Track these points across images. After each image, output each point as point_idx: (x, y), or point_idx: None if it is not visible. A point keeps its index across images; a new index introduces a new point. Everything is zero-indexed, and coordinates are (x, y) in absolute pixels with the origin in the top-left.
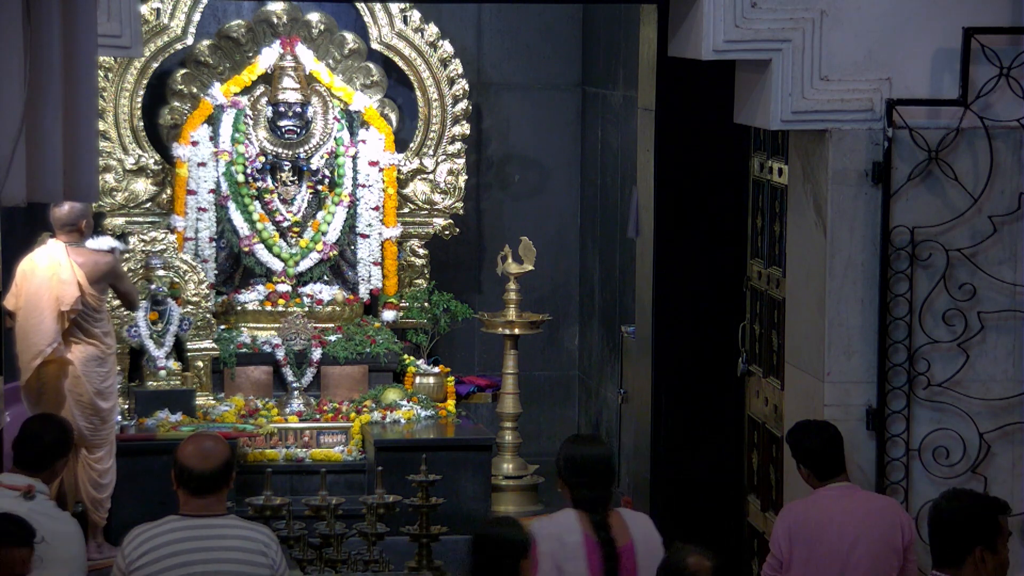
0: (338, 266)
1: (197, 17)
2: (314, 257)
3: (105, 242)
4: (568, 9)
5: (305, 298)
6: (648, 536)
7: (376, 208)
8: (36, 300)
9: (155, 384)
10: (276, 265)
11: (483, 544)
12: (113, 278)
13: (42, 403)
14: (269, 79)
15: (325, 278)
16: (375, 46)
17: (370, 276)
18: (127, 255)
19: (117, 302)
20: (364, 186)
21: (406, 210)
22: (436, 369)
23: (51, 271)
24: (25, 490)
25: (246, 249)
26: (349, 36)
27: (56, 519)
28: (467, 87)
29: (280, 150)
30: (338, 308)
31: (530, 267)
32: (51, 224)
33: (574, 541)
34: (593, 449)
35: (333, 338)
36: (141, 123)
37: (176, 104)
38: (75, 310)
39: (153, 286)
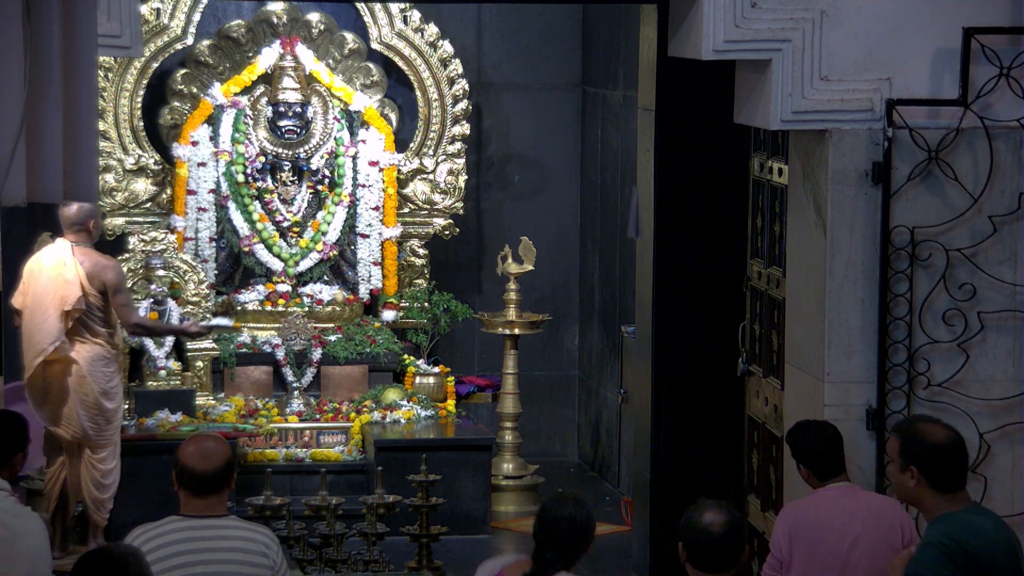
0: (338, 266)
1: (197, 17)
2: (314, 257)
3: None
4: (568, 9)
5: (305, 298)
6: None
7: (376, 208)
8: (41, 299)
9: (155, 384)
10: (276, 265)
11: None
12: (112, 287)
13: (48, 402)
14: (269, 79)
15: (325, 278)
16: (375, 46)
17: (370, 276)
18: (128, 256)
19: None
20: (364, 186)
21: (406, 210)
22: (436, 369)
23: (56, 271)
24: None
25: (246, 249)
26: (349, 36)
27: (17, 515)
28: (467, 87)
29: (280, 150)
30: (338, 308)
31: (530, 267)
32: (53, 224)
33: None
34: (565, 510)
35: (333, 338)
36: (141, 123)
37: (176, 104)
38: (78, 310)
39: (153, 286)
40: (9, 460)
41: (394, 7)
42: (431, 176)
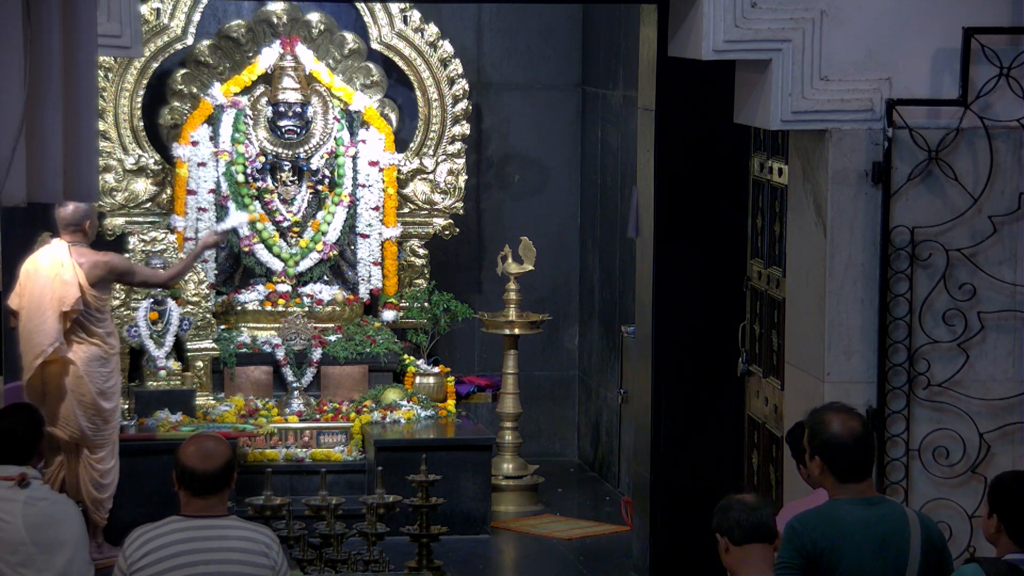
0: (338, 266)
1: (197, 17)
2: (314, 257)
3: (238, 218)
4: (568, 9)
5: (305, 298)
6: None
7: (376, 208)
8: (39, 300)
9: (155, 384)
10: (276, 265)
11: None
12: (116, 277)
13: (46, 403)
14: (269, 79)
15: (325, 278)
16: (375, 46)
17: (370, 276)
18: (128, 256)
19: (117, 302)
20: (364, 186)
21: (406, 210)
22: (436, 369)
23: (54, 271)
24: (18, 479)
25: (246, 249)
26: (349, 36)
27: (55, 502)
28: (467, 87)
29: (280, 150)
30: (338, 308)
31: (530, 267)
32: (53, 224)
33: None
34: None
35: (333, 338)
36: (141, 123)
37: (176, 104)
38: (76, 310)
39: None
40: (35, 450)
41: (394, 7)
42: (431, 176)
